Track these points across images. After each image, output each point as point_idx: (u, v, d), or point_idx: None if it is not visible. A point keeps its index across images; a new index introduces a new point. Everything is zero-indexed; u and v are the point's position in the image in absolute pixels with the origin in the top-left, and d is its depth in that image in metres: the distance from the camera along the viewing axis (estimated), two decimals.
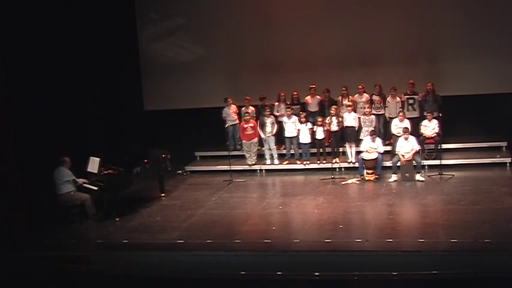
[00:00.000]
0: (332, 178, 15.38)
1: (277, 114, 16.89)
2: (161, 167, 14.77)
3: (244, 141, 16.68)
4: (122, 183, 13.65)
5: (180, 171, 17.04)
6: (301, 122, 16.20)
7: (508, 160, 15.42)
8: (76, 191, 13.22)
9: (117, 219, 13.22)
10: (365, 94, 16.63)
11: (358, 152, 15.64)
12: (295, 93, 17.11)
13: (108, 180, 13.45)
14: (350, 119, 16.03)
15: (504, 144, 16.10)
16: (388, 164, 15.27)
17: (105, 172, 13.66)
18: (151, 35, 18.81)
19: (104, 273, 10.68)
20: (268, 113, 16.51)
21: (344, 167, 16.09)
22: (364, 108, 16.13)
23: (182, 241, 11.73)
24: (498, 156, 15.71)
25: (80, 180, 13.32)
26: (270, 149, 16.63)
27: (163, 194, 14.84)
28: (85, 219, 13.19)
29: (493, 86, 16.67)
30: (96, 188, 13.40)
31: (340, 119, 16.06)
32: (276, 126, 16.49)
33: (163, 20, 18.79)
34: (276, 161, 16.68)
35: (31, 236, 12.47)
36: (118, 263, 11.14)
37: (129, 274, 10.59)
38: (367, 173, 15.13)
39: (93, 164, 13.74)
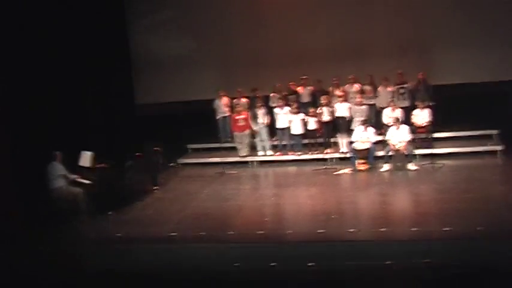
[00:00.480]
0: (324, 168, 15.43)
1: (274, 105, 16.87)
2: (154, 160, 14.78)
3: (236, 132, 16.69)
4: (115, 177, 13.63)
5: (172, 164, 17.03)
6: (293, 113, 16.21)
7: (498, 148, 15.48)
8: (68, 186, 13.19)
9: (110, 213, 13.19)
10: (355, 85, 16.66)
11: (350, 142, 15.67)
12: (291, 83, 17.09)
13: (100, 174, 13.42)
14: (342, 109, 16.05)
15: (495, 132, 16.16)
16: (380, 153, 15.30)
17: (98, 166, 13.64)
18: (142, 28, 18.79)
19: (97, 267, 10.67)
20: (260, 104, 16.51)
21: (336, 157, 16.13)
22: (355, 98, 16.16)
23: (175, 234, 11.72)
24: (489, 144, 15.77)
25: (73, 176, 13.29)
26: (262, 141, 16.64)
27: (156, 187, 14.84)
28: (78, 214, 13.15)
29: (483, 75, 16.78)
30: (88, 182, 13.37)
31: (331, 109, 16.07)
32: (268, 117, 16.48)
33: (154, 13, 18.79)
34: (269, 152, 16.69)
35: (23, 231, 12.42)
36: (111, 256, 11.11)
37: (123, 268, 10.57)
38: (360, 163, 15.16)
39: (85, 158, 13.70)
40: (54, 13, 15.26)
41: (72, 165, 13.58)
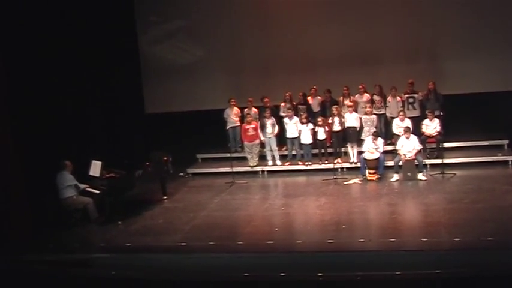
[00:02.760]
0: (334, 178, 15.38)
1: (283, 114, 16.86)
2: (163, 169, 14.78)
3: (245, 142, 16.68)
4: (124, 187, 13.63)
5: (181, 174, 17.03)
6: (302, 123, 16.20)
7: (510, 158, 15.40)
8: (78, 195, 13.23)
9: (119, 222, 13.21)
10: (366, 94, 16.65)
11: (360, 152, 15.64)
12: (301, 93, 17.09)
13: (110, 183, 13.44)
14: (351, 119, 16.02)
15: (506, 142, 16.09)
16: (390, 163, 15.25)
17: (107, 175, 13.67)
18: (151, 37, 18.83)
19: (106, 276, 10.67)
20: (269, 114, 16.51)
21: (346, 167, 16.08)
22: (365, 108, 16.14)
23: (185, 243, 11.72)
24: (500, 154, 15.69)
25: (82, 186, 13.32)
26: (271, 150, 16.62)
27: (165, 197, 14.83)
28: (87, 223, 13.18)
29: (494, 84, 16.69)
30: (98, 192, 13.40)
31: (342, 119, 16.05)
32: (276, 127, 16.47)
33: (163, 22, 18.82)
34: (278, 162, 16.67)
35: (34, 239, 12.47)
36: (121, 266, 11.12)
37: (132, 277, 10.57)
38: (369, 173, 15.12)
39: (95, 168, 13.75)
40: (66, 23, 15.36)
41: (82, 174, 13.63)
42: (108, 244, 12.13)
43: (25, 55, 13.79)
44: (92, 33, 16.36)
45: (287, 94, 17.13)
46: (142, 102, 18.92)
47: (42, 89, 14.18)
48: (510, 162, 15.34)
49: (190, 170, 17.28)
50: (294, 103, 16.99)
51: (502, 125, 16.25)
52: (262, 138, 16.57)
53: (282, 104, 17.15)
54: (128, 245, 11.95)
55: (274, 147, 16.61)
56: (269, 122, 16.44)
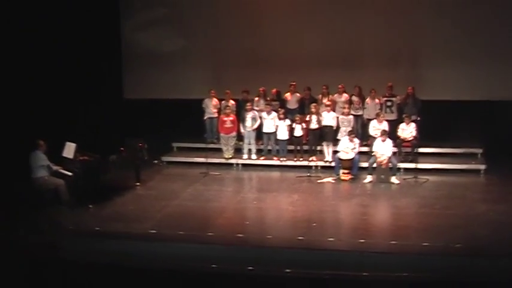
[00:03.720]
0: (308, 176, 15.42)
1: (257, 109, 16.86)
2: (138, 156, 14.70)
3: (222, 134, 16.66)
4: (97, 171, 13.54)
5: (156, 161, 16.96)
6: (279, 119, 16.22)
7: (482, 167, 15.55)
8: (50, 176, 13.11)
9: (90, 206, 13.11)
10: (344, 94, 16.72)
11: (335, 152, 15.70)
12: (273, 90, 17.08)
13: (83, 166, 13.33)
14: (328, 118, 16.08)
15: (479, 151, 16.24)
16: (365, 164, 15.33)
17: (81, 158, 13.54)
18: (134, 24, 18.74)
19: (75, 260, 10.60)
20: (250, 107, 16.49)
21: (320, 166, 16.10)
22: (343, 108, 16.20)
23: (155, 231, 11.69)
24: (473, 163, 15.85)
25: (55, 167, 13.20)
26: (249, 144, 16.62)
27: (138, 184, 14.76)
28: (58, 205, 13.06)
29: (471, 93, 16.89)
30: (71, 174, 13.28)
31: (319, 117, 16.09)
32: (258, 121, 16.46)
33: (146, 10, 18.74)
34: (254, 156, 16.67)
35: (2, 220, 12.34)
36: (90, 250, 11.07)
37: (101, 262, 10.52)
38: (343, 173, 15.18)
39: (69, 150, 13.61)
40: (47, 6, 15.20)
41: (56, 155, 13.50)
42: (78, 228, 12.03)
43: (1, 35, 13.62)
44: (74, 16, 16.24)
45: (261, 89, 17.12)
46: (122, 87, 18.81)
47: (20, 70, 14.02)
48: (482, 171, 15.48)
49: (165, 158, 17.21)
50: (268, 98, 16.99)
51: (476, 134, 16.41)
52: (242, 131, 16.56)
53: (256, 99, 17.13)
54: (98, 229, 11.88)
55: (253, 141, 16.60)
56: (250, 116, 16.42)
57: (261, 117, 16.50)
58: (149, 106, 18.04)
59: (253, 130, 16.51)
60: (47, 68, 15.11)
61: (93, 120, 17.01)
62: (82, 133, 15.02)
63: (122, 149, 14.37)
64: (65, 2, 15.81)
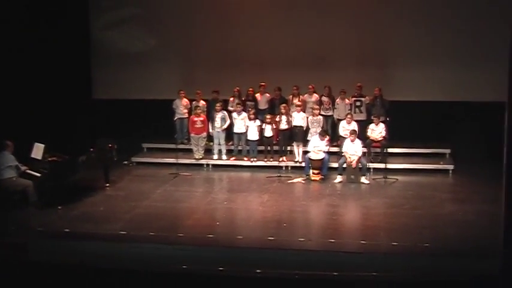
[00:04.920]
0: (278, 176, 15.46)
1: (231, 109, 16.85)
2: (107, 156, 14.61)
3: (192, 134, 16.61)
4: (66, 171, 13.45)
5: (126, 162, 16.86)
6: (250, 119, 16.24)
7: (450, 167, 15.73)
8: (18, 177, 12.97)
9: (59, 207, 13.00)
10: (315, 94, 16.78)
11: (305, 152, 15.76)
12: (250, 89, 17.10)
13: (52, 167, 13.23)
14: (298, 119, 16.13)
15: (447, 151, 16.42)
16: (335, 165, 15.40)
17: (50, 159, 13.44)
18: (103, 22, 18.54)
19: (43, 261, 10.50)
20: (220, 107, 16.46)
21: (291, 166, 16.17)
22: (313, 108, 16.26)
23: (125, 232, 11.64)
24: (441, 163, 16.02)
25: (23, 167, 13.06)
26: (219, 144, 16.60)
27: (107, 184, 14.66)
28: (26, 206, 12.94)
29: (439, 94, 17.03)
30: (39, 175, 13.17)
31: (289, 117, 16.14)
32: (228, 122, 16.45)
33: (116, 8, 18.55)
34: (224, 157, 16.66)
35: None
36: (58, 251, 10.98)
37: (70, 263, 10.43)
38: (313, 173, 15.25)
39: (38, 150, 13.49)
40: (13, 3, 15.02)
41: (24, 156, 13.36)
42: (46, 229, 11.93)
43: None
44: (41, 14, 16.06)
45: (236, 89, 17.13)
46: (91, 87, 18.65)
47: None
48: (450, 171, 15.66)
49: (135, 159, 17.11)
50: (243, 99, 17.00)
51: (445, 134, 16.60)
52: (211, 131, 16.54)
53: (231, 99, 17.14)
54: (67, 230, 11.79)
55: (222, 141, 16.58)
56: (219, 116, 16.40)
57: (231, 118, 16.50)
58: (119, 106, 17.90)
59: (223, 130, 16.50)
60: (14, 67, 14.92)
61: (61, 120, 16.80)
62: (50, 133, 14.86)
63: (91, 149, 14.26)
64: (31, 4, 15.64)
